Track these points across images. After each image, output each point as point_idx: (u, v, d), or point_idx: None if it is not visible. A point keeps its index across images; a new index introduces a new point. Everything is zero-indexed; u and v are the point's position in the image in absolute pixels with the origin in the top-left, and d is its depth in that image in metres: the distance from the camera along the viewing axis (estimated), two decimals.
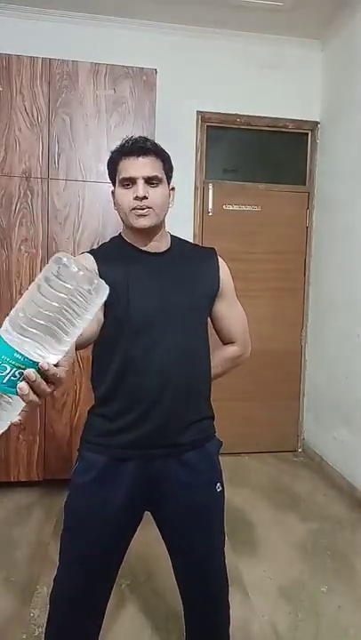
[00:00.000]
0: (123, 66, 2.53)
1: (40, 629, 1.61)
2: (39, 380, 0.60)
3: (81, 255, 1.18)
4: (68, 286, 0.58)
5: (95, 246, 1.34)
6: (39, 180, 2.48)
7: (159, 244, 1.20)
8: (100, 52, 2.73)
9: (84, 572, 1.14)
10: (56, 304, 0.58)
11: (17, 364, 0.59)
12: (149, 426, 1.12)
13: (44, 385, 0.61)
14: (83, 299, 0.59)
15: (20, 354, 0.59)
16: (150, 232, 1.17)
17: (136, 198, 1.11)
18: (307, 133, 3.32)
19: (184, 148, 3.08)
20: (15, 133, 2.45)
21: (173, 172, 1.21)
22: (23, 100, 2.45)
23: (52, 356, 0.61)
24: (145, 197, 1.10)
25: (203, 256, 1.27)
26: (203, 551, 1.20)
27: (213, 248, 1.29)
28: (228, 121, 3.18)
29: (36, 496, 2.58)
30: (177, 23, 2.99)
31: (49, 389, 0.62)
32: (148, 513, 1.22)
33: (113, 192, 1.19)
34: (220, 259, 1.27)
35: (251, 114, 3.17)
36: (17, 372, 0.59)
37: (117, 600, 1.74)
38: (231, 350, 1.32)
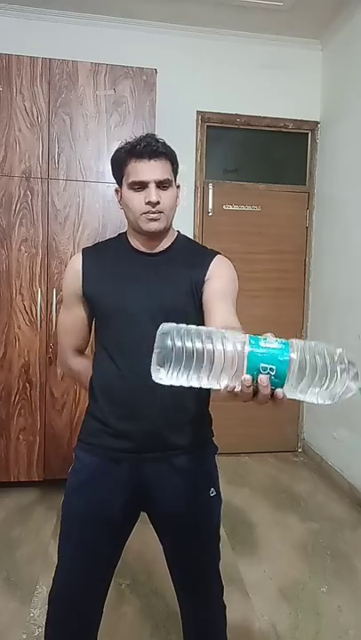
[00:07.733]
0: (123, 66, 2.53)
1: (40, 629, 1.61)
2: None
3: (74, 256, 1.19)
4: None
5: None
6: (39, 180, 2.48)
7: (158, 244, 1.17)
8: (100, 52, 2.73)
9: (79, 571, 1.14)
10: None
11: (276, 368, 0.70)
12: (139, 428, 1.10)
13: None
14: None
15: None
16: (160, 235, 1.14)
17: (148, 203, 1.08)
18: (307, 133, 3.32)
19: (184, 147, 3.08)
20: (15, 133, 2.45)
21: None
22: (23, 99, 2.45)
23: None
24: (158, 203, 1.08)
25: (200, 256, 1.17)
26: (195, 554, 1.19)
27: (219, 252, 1.19)
28: (228, 121, 3.18)
29: (36, 496, 2.58)
30: (177, 23, 2.99)
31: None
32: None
33: (117, 191, 1.15)
34: (218, 258, 1.16)
35: (251, 114, 3.17)
36: (270, 369, 0.70)
37: (117, 600, 1.73)
38: None
